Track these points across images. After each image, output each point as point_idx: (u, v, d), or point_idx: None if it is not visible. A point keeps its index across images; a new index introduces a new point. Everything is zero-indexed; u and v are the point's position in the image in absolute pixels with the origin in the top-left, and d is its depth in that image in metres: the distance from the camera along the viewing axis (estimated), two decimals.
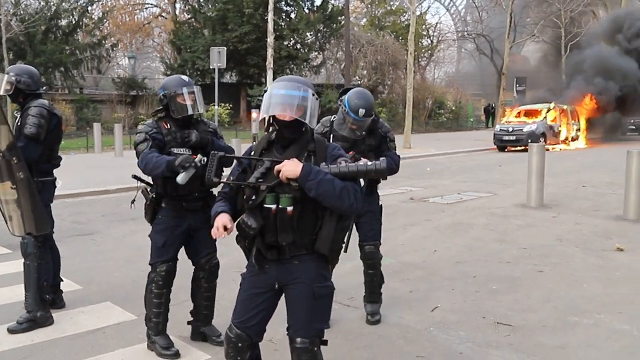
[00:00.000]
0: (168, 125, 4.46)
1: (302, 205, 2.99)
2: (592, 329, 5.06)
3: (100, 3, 39.46)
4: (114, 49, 37.14)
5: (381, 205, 5.19)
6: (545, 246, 7.91)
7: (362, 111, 4.69)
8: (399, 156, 5.10)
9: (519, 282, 6.35)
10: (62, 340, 4.77)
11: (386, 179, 4.49)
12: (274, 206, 2.98)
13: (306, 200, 2.96)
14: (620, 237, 8.34)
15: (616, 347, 4.70)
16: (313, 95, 3.03)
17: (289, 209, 2.97)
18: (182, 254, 7.44)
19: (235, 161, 3.23)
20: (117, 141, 21.19)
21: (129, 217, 9.93)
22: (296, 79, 3.11)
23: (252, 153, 3.16)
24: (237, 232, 3.14)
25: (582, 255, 7.45)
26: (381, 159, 2.99)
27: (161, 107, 4.52)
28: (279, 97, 3.01)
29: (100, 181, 13.85)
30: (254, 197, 3.02)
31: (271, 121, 3.08)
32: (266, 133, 3.20)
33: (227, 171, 3.36)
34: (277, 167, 2.94)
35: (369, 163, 2.95)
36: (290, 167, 2.91)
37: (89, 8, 35.31)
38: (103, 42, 35.06)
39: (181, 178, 4.07)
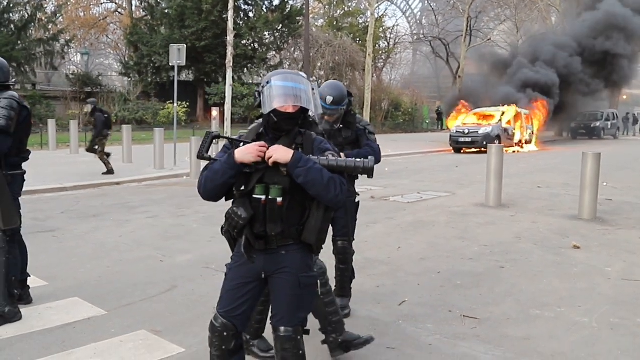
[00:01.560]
0: None
1: (291, 196, 3.05)
2: (553, 321, 5.23)
3: None
4: (69, 44, 36.33)
5: (358, 202, 5.28)
6: (505, 243, 8.11)
7: (329, 98, 4.84)
8: (378, 145, 5.22)
9: (482, 277, 6.51)
10: (32, 335, 4.72)
11: (372, 176, 4.55)
12: (263, 197, 3.03)
13: (295, 191, 3.02)
14: (576, 236, 8.60)
15: (576, 337, 4.87)
16: (312, 89, 3.13)
17: (279, 199, 3.02)
18: (159, 248, 7.48)
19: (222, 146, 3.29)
20: (72, 138, 20.87)
21: (90, 214, 9.86)
22: (294, 73, 3.17)
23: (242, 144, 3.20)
24: (223, 224, 3.19)
25: (541, 252, 7.65)
26: (370, 157, 3.07)
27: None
28: (286, 89, 3.05)
29: (57, 178, 13.64)
30: (243, 187, 3.07)
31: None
32: (255, 124, 3.25)
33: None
34: (267, 152, 2.99)
35: (358, 160, 3.03)
36: (281, 152, 2.97)
37: (43, 2, 34.54)
38: (57, 37, 34.35)
39: None
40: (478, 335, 4.85)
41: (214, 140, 3.28)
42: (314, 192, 2.99)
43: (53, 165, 16.45)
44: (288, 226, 3.09)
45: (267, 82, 3.09)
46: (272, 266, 3.16)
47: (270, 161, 2.97)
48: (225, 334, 3.19)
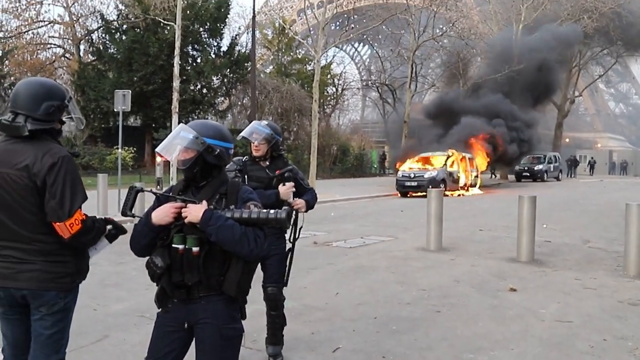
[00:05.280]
0: None
1: (210, 247, 3.04)
2: None
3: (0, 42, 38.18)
4: (12, 88, 35.70)
5: (290, 249, 5.27)
6: (443, 287, 8.19)
7: (264, 122, 5.05)
8: (313, 189, 5.41)
9: (418, 322, 6.55)
10: None
11: (288, 227, 4.57)
12: (181, 246, 3.05)
13: (214, 242, 3.03)
14: (513, 278, 8.74)
15: None
16: (196, 138, 3.09)
17: (195, 249, 3.03)
18: (95, 296, 7.27)
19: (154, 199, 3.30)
20: None
21: None
22: (194, 123, 3.22)
23: (171, 193, 3.22)
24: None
25: (478, 296, 7.75)
26: (283, 208, 3.09)
27: None
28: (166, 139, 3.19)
29: None
30: (165, 237, 3.09)
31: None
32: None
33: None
34: (183, 211, 3.03)
35: (271, 212, 3.04)
36: (194, 213, 3.00)
37: None
38: (2, 81, 33.82)
39: None
40: None
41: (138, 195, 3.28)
42: (227, 248, 3.01)
43: None
44: (207, 276, 3.08)
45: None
46: (193, 316, 3.14)
47: (186, 221, 3.03)
48: None
